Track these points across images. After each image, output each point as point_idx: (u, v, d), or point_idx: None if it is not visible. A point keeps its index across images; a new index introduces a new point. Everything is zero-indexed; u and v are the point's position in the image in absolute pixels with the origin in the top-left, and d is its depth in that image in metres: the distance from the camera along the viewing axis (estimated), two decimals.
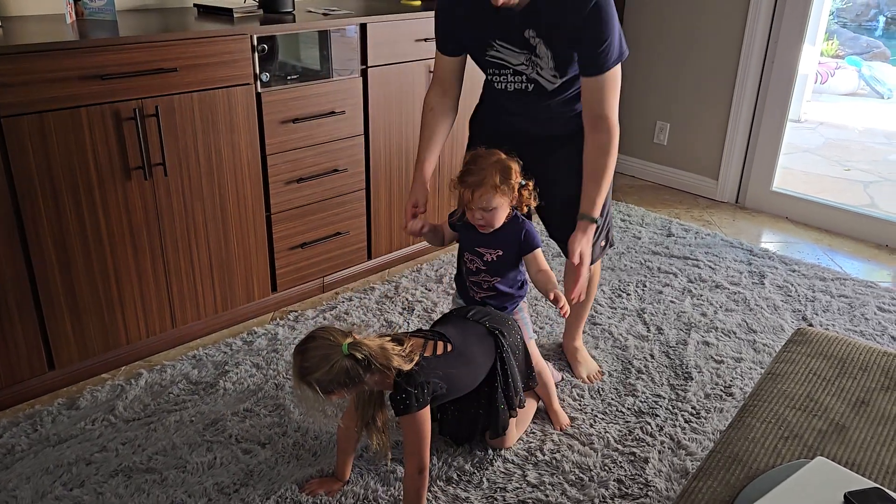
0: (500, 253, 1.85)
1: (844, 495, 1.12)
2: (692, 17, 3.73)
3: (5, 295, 1.97)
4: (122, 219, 2.13)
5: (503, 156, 1.78)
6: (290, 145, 2.45)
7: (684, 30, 3.78)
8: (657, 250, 3.17)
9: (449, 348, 1.68)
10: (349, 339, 1.49)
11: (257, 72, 2.29)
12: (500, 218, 1.80)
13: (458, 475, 1.85)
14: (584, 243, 1.81)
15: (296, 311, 2.60)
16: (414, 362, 1.57)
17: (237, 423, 1.99)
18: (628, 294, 2.79)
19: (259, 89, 2.32)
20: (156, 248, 2.23)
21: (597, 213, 1.83)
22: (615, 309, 2.68)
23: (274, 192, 2.46)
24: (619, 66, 1.75)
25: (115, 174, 2.07)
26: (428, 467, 1.65)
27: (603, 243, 2.07)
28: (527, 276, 1.92)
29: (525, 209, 1.85)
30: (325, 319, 2.55)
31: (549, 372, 2.07)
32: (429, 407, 1.62)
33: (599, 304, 2.70)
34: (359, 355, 1.48)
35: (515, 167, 1.78)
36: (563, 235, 1.94)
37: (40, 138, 1.91)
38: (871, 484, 1.15)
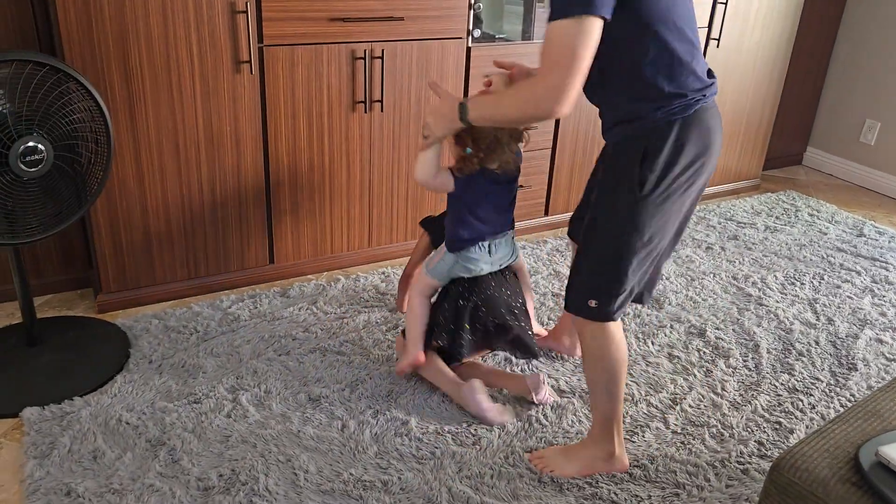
0: None
1: None
2: None
3: (248, 197, 2.40)
4: (342, 145, 2.48)
5: None
6: None
7: None
8: (843, 248, 3.07)
9: None
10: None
11: (470, 27, 2.54)
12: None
13: None
14: (432, 108, 1.72)
15: None
16: None
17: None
18: (802, 283, 2.75)
19: (469, 44, 2.57)
20: (365, 175, 2.57)
21: (469, 110, 1.59)
22: (785, 294, 2.66)
23: None
24: (568, 27, 1.34)
25: (342, 105, 2.42)
26: None
27: (593, 303, 1.61)
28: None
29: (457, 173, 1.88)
30: None
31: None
32: None
33: (769, 288, 2.70)
34: None
35: (473, 136, 1.79)
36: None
37: (289, 67, 2.29)
38: None
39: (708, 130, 1.54)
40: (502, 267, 2.02)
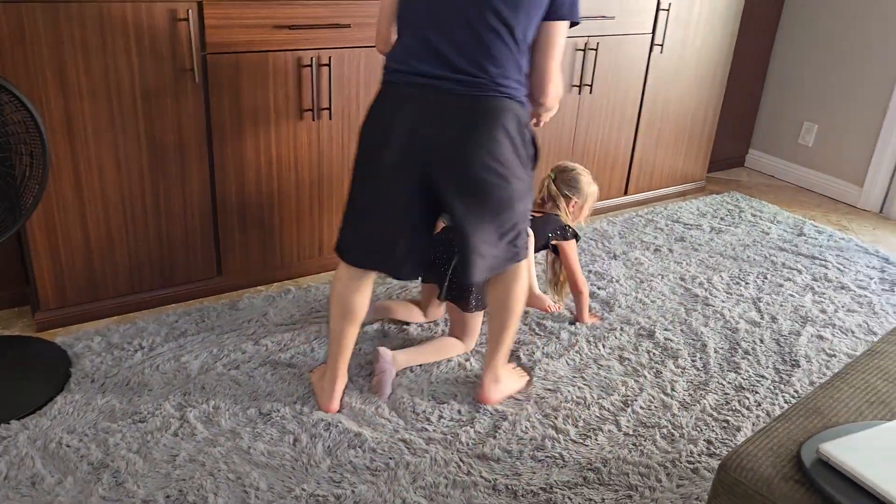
0: None
1: None
2: (854, 14, 3.62)
3: (192, 208, 2.34)
4: (291, 154, 2.45)
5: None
6: None
7: (845, 28, 3.67)
8: (785, 247, 3.16)
9: None
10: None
11: None
12: None
13: (551, 410, 2.02)
14: None
15: None
16: None
17: (366, 341, 2.26)
18: (747, 283, 2.82)
19: None
20: (314, 183, 2.54)
21: None
22: (731, 294, 2.73)
23: None
24: None
25: (289, 113, 2.39)
26: None
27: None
28: None
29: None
30: None
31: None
32: None
33: (715, 288, 2.76)
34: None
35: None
36: None
37: (234, 76, 2.25)
38: None
39: (388, 106, 1.71)
40: None
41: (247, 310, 2.39)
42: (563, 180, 2.42)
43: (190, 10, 2.10)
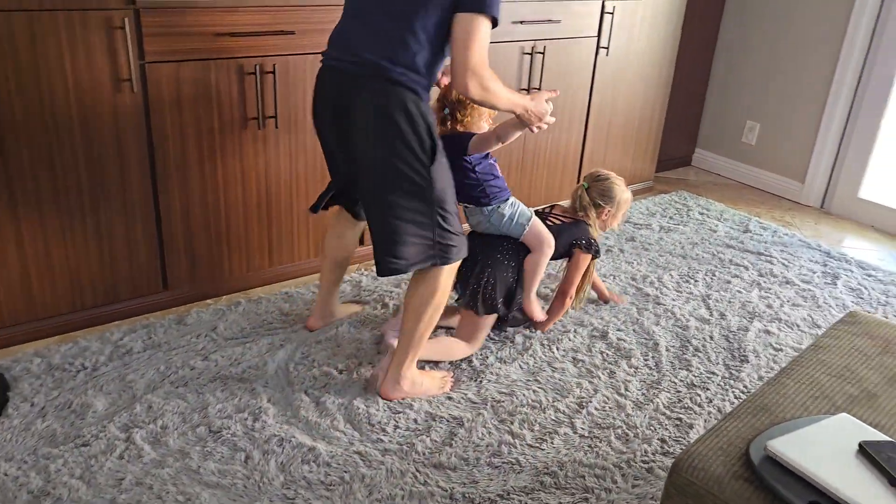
0: None
1: (859, 443, 1.22)
2: (792, 16, 3.73)
3: (135, 220, 2.27)
4: (236, 163, 2.40)
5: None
6: None
7: (783, 30, 3.78)
8: (731, 244, 3.23)
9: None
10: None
11: None
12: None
13: (513, 426, 2.02)
14: None
15: None
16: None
17: (320, 351, 2.23)
18: (696, 281, 2.87)
19: None
20: (262, 193, 2.49)
21: None
22: (681, 293, 2.77)
23: None
24: None
25: (233, 122, 2.34)
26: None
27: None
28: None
29: None
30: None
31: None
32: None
33: (665, 287, 2.80)
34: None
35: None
36: None
37: (175, 84, 2.20)
38: (888, 438, 1.25)
39: (317, 85, 1.94)
40: (489, 232, 2.27)
41: (195, 324, 2.33)
42: (597, 189, 2.40)
43: (126, 19, 2.04)
